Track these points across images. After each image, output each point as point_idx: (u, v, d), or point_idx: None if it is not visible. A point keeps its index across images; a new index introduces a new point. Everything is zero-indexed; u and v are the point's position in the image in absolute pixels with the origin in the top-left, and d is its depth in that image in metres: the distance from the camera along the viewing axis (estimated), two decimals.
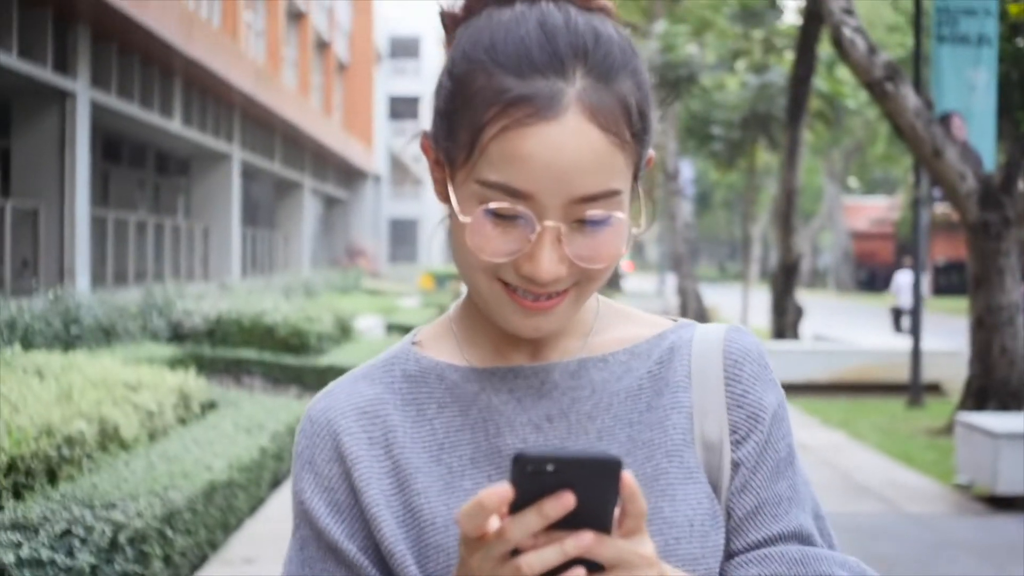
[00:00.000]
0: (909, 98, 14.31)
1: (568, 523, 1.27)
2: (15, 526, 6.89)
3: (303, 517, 1.61)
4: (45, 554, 6.72)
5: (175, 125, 23.98)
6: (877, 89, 14.57)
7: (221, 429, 10.53)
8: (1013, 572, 8.95)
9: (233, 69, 25.46)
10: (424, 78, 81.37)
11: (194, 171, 29.50)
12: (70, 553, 6.80)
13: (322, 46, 45.32)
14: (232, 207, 29.74)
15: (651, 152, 1.56)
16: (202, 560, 8.46)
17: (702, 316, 36.13)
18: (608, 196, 1.44)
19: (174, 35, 20.64)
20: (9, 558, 6.63)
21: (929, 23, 18.20)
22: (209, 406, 11.95)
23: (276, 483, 11.11)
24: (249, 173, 33.02)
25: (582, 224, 1.44)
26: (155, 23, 19.43)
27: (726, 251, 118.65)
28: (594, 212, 1.44)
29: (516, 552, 1.29)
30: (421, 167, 79.68)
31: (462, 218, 1.47)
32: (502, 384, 1.60)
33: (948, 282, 67.64)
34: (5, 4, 16.55)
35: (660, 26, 35.75)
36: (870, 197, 79.52)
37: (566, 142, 1.41)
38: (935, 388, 18.95)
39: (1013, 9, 29.20)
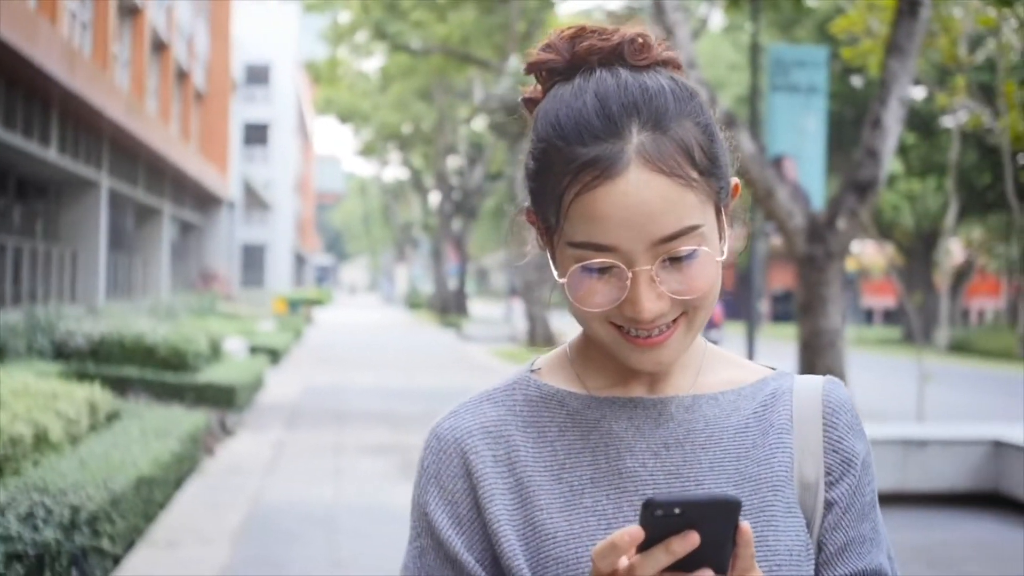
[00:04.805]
0: (744, 143, 15.52)
1: (689, 561, 1.39)
2: None
3: (425, 528, 1.71)
4: (15, 530, 7.90)
5: (52, 154, 24.68)
6: None
7: (131, 435, 11.65)
8: None
9: (107, 100, 26.23)
10: (274, 105, 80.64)
11: (64, 197, 30.05)
12: (36, 530, 7.99)
13: (182, 75, 45.95)
14: (99, 232, 30.40)
15: (735, 181, 1.69)
16: (131, 543, 9.69)
17: (550, 340, 37.50)
18: (687, 232, 1.55)
19: (58, 69, 21.45)
20: None
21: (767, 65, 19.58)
22: (114, 416, 13.06)
23: (179, 483, 12.34)
24: (114, 200, 33.71)
25: (673, 261, 1.56)
26: (43, 58, 20.27)
27: None
28: (679, 248, 1.55)
29: None
30: (272, 193, 79.90)
31: (560, 280, 1.61)
32: (622, 412, 1.71)
33: (784, 309, 69.69)
34: None
35: (513, 63, 37.09)
36: None
37: (633, 194, 1.52)
38: None
39: (846, 53, 31.01)
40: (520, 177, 1.75)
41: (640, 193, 1.52)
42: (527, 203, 1.72)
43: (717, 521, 1.38)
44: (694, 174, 1.56)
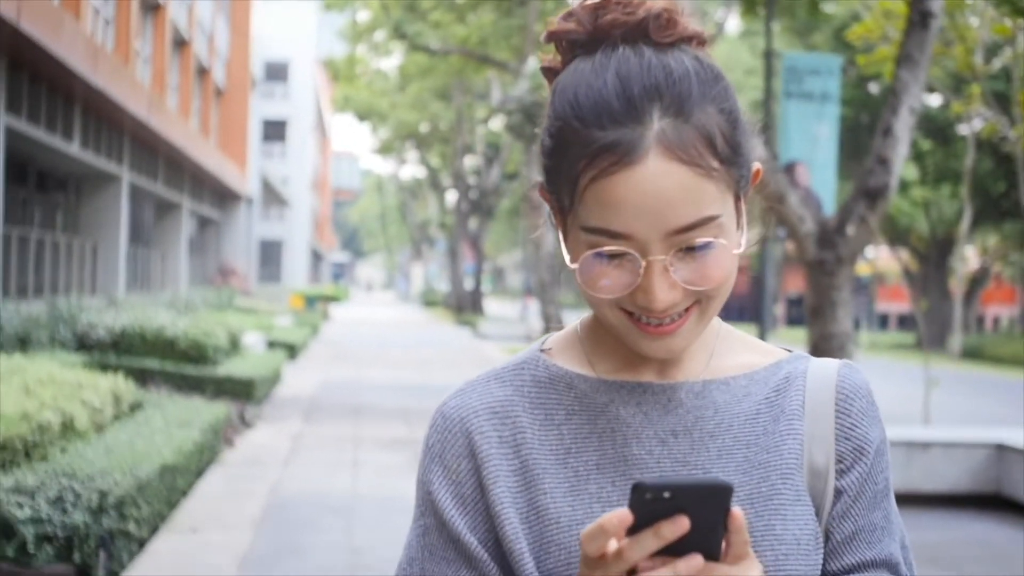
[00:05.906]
0: (756, 149, 15.83)
1: (680, 545, 1.36)
2: (16, 491, 8.39)
3: (428, 507, 1.68)
4: (44, 513, 8.24)
5: (74, 148, 24.98)
6: None
7: (154, 425, 11.97)
8: None
9: (129, 96, 26.52)
10: (293, 102, 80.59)
11: (86, 191, 30.36)
12: (65, 513, 8.32)
13: (202, 72, 46.24)
14: (120, 226, 30.72)
15: (757, 166, 1.62)
16: (155, 528, 10.00)
17: None
18: (704, 223, 1.50)
19: (81, 64, 21.73)
20: (16, 515, 8.16)
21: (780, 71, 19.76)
22: (137, 406, 13.38)
23: (200, 472, 12.67)
24: (135, 194, 34.04)
25: (688, 250, 1.51)
26: (66, 53, 20.55)
27: None
28: (695, 239, 1.50)
29: (632, 573, 1.39)
30: (289, 189, 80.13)
31: (571, 265, 1.56)
32: (630, 397, 1.67)
33: (799, 313, 69.64)
34: None
35: (531, 64, 37.30)
36: None
37: (651, 183, 1.47)
38: None
39: (861, 60, 31.20)
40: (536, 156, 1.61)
41: (658, 182, 1.47)
42: (541, 179, 1.66)
43: (708, 506, 1.36)
44: (714, 163, 1.50)
